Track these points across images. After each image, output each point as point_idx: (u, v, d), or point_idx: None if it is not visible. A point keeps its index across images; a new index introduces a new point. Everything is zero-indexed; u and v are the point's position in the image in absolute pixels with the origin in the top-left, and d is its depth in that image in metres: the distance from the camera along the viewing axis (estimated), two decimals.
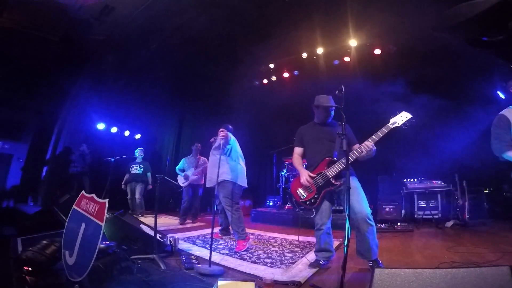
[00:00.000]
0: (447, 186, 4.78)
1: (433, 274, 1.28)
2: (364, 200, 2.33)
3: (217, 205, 3.70)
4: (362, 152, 2.26)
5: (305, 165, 2.79)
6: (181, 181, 5.20)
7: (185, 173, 5.21)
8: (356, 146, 2.43)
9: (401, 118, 2.34)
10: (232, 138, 3.52)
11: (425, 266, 2.36)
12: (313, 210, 2.48)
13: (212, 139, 3.65)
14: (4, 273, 2.00)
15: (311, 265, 2.50)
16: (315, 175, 2.44)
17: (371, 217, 2.29)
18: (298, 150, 2.79)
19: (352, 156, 2.28)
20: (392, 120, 2.35)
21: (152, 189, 6.02)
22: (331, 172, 2.37)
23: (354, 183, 2.36)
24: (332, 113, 2.64)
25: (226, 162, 3.41)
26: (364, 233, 2.26)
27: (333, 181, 2.36)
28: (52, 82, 5.90)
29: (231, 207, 3.31)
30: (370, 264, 2.32)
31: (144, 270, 2.29)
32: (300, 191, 2.52)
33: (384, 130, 2.32)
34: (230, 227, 3.66)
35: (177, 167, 5.39)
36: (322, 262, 2.51)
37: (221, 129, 3.26)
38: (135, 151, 6.35)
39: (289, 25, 5.26)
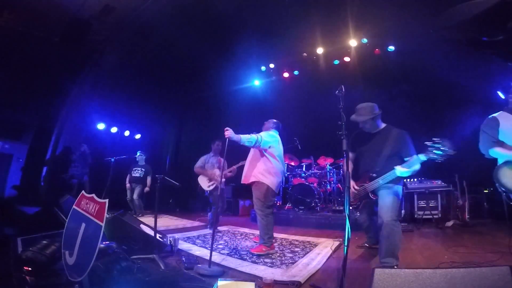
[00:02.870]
0: (447, 186, 4.77)
1: (433, 274, 1.28)
2: (385, 207, 2.42)
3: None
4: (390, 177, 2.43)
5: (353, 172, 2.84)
6: (205, 184, 4.57)
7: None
8: (411, 159, 2.43)
9: (439, 149, 2.20)
10: (265, 137, 3.17)
11: (425, 266, 2.37)
12: (357, 212, 2.91)
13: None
14: (4, 273, 2.00)
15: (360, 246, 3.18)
16: (358, 187, 2.67)
17: (389, 223, 2.35)
18: (349, 155, 2.70)
19: (383, 179, 2.45)
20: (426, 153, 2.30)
21: (152, 189, 6.03)
22: (370, 187, 2.58)
23: (384, 192, 2.49)
24: (367, 125, 2.65)
25: (264, 161, 3.19)
26: (381, 234, 2.41)
27: (371, 195, 2.60)
28: (52, 82, 5.89)
29: (261, 211, 3.09)
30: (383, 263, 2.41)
31: (144, 270, 2.29)
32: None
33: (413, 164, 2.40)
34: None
35: (197, 165, 4.73)
36: (366, 244, 3.12)
37: (226, 128, 2.87)
38: (137, 154, 6.37)
39: (289, 25, 5.27)
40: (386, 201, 2.43)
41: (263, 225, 3.06)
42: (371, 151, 2.62)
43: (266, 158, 3.19)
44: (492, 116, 2.39)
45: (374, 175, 2.52)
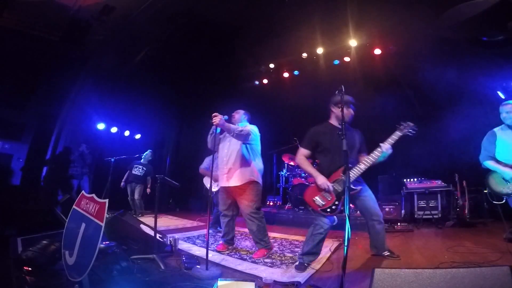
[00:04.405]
0: (447, 186, 4.77)
1: (433, 274, 1.28)
2: (375, 203, 2.57)
3: (219, 209, 3.24)
4: (376, 157, 2.39)
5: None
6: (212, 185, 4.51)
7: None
8: (364, 155, 2.53)
9: (407, 129, 2.46)
10: (256, 131, 3.05)
11: (425, 266, 2.37)
12: (334, 218, 2.44)
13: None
14: (4, 273, 2.00)
15: (300, 268, 2.40)
16: (332, 182, 2.38)
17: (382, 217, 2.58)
18: (305, 152, 2.56)
19: (366, 164, 2.39)
20: (401, 127, 2.47)
21: (152, 189, 6.03)
22: (350, 177, 2.30)
23: (367, 190, 2.55)
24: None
25: (254, 159, 2.99)
26: (377, 231, 2.56)
27: (352, 186, 2.32)
28: (52, 82, 5.89)
29: (257, 214, 2.90)
30: (386, 254, 2.63)
31: (144, 270, 2.29)
32: (318, 199, 2.39)
33: (394, 137, 2.46)
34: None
35: (202, 166, 4.63)
36: (306, 264, 2.46)
37: (214, 114, 2.65)
38: (146, 152, 6.41)
39: (289, 25, 5.26)
40: (371, 196, 2.53)
41: (261, 228, 2.91)
42: (339, 148, 2.25)
43: (255, 155, 3.04)
44: (492, 131, 2.87)
45: (349, 165, 2.34)
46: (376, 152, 2.40)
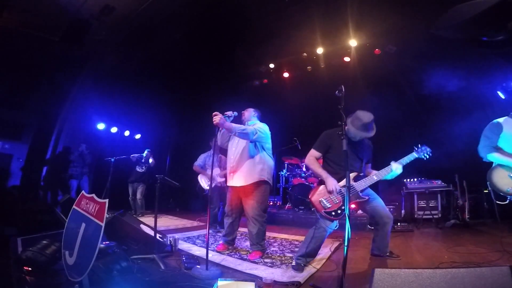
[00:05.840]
0: (447, 186, 4.77)
1: (433, 274, 1.28)
2: (384, 206, 2.56)
3: (224, 208, 3.13)
4: (385, 173, 2.44)
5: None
6: (205, 183, 4.57)
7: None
8: (369, 166, 2.66)
9: (424, 152, 2.50)
10: (266, 130, 2.97)
11: (425, 266, 2.37)
12: (336, 222, 2.39)
13: (229, 113, 2.77)
14: (4, 273, 2.00)
15: (298, 269, 2.38)
16: (341, 187, 2.36)
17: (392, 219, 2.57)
18: (316, 154, 2.55)
19: (376, 178, 2.44)
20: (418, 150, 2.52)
21: (153, 189, 6.03)
22: (359, 186, 2.41)
23: (377, 197, 2.56)
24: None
25: (264, 158, 2.90)
26: (387, 231, 2.50)
27: (361, 194, 2.42)
28: (52, 82, 5.89)
29: (261, 217, 2.83)
30: (387, 254, 2.62)
31: (144, 270, 2.29)
32: (324, 201, 2.36)
33: (410, 157, 2.50)
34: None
35: (197, 164, 4.67)
36: (303, 265, 2.45)
37: (214, 113, 2.59)
38: (145, 151, 6.40)
39: (289, 25, 5.27)
40: (381, 201, 2.53)
41: (261, 232, 2.85)
42: (354, 155, 2.51)
43: (265, 154, 2.94)
44: (496, 121, 2.57)
45: (361, 174, 2.50)
46: (386, 170, 2.44)
